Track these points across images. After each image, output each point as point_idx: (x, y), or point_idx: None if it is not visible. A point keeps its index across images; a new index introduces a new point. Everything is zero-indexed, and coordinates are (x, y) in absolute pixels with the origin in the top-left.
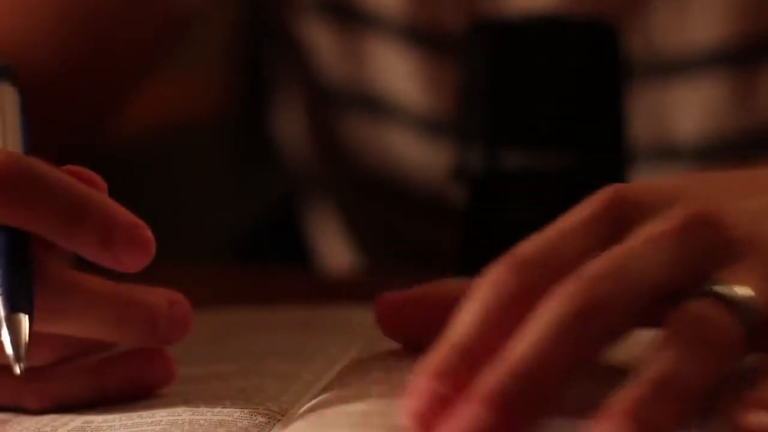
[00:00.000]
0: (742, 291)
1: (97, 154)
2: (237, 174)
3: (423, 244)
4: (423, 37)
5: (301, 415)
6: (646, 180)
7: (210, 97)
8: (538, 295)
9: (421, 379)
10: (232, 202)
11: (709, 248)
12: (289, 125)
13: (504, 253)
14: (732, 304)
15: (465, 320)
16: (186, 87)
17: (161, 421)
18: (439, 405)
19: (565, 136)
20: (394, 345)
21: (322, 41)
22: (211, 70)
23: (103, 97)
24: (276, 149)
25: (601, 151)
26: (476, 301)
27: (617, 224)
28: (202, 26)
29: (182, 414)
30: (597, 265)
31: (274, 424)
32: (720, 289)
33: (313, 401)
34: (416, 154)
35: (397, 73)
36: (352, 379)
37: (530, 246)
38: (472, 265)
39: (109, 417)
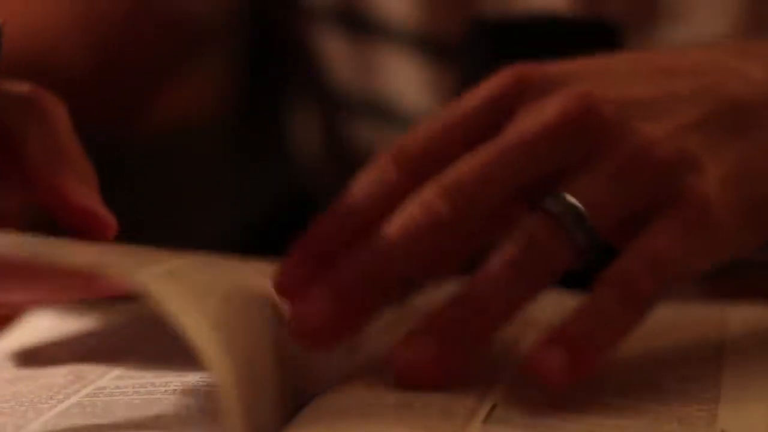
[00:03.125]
0: (575, 205)
1: (116, 154)
2: (241, 174)
3: None
4: (430, 45)
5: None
6: (548, 63)
7: (215, 98)
8: (412, 188)
9: (297, 249)
10: (235, 201)
11: (573, 149)
12: (301, 129)
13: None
14: (561, 222)
15: (345, 202)
16: (192, 88)
17: (175, 390)
18: (304, 278)
19: None
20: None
21: (332, 49)
22: (217, 71)
23: (121, 101)
24: (281, 150)
25: None
26: (357, 186)
27: (504, 110)
28: (215, 33)
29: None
30: (459, 171)
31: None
32: (552, 206)
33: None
34: None
35: (405, 80)
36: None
37: (414, 137)
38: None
39: (122, 384)
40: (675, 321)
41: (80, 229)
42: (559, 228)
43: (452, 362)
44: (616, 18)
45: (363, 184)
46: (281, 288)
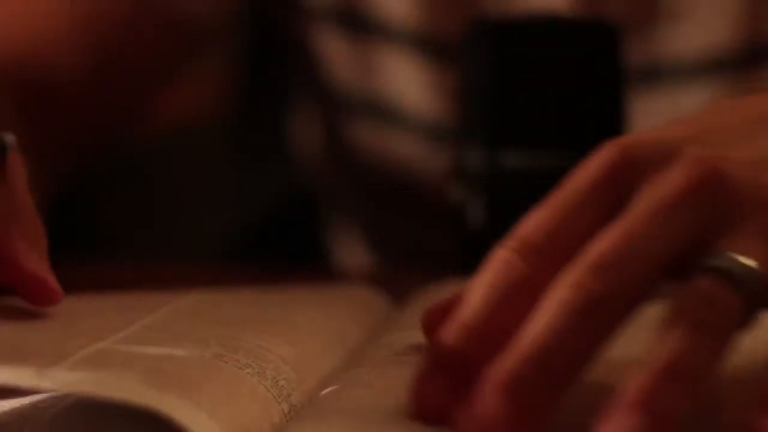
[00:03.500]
0: (745, 262)
1: (116, 154)
2: (241, 174)
3: (426, 244)
4: (430, 45)
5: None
6: (644, 132)
7: (215, 98)
8: (544, 280)
9: (430, 365)
10: (235, 201)
11: (713, 213)
12: (303, 130)
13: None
14: (735, 278)
15: (473, 304)
16: (192, 88)
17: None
18: (447, 394)
19: (565, 136)
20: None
21: (332, 49)
22: (217, 71)
23: (122, 101)
24: (281, 150)
25: None
26: (483, 285)
27: (620, 188)
28: (215, 33)
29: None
30: (602, 248)
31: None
32: (722, 263)
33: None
34: (422, 159)
35: (404, 80)
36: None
37: (533, 226)
38: (472, 266)
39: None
40: None
41: (27, 294)
42: (728, 283)
43: None
44: (616, 18)
45: (487, 285)
46: (422, 411)
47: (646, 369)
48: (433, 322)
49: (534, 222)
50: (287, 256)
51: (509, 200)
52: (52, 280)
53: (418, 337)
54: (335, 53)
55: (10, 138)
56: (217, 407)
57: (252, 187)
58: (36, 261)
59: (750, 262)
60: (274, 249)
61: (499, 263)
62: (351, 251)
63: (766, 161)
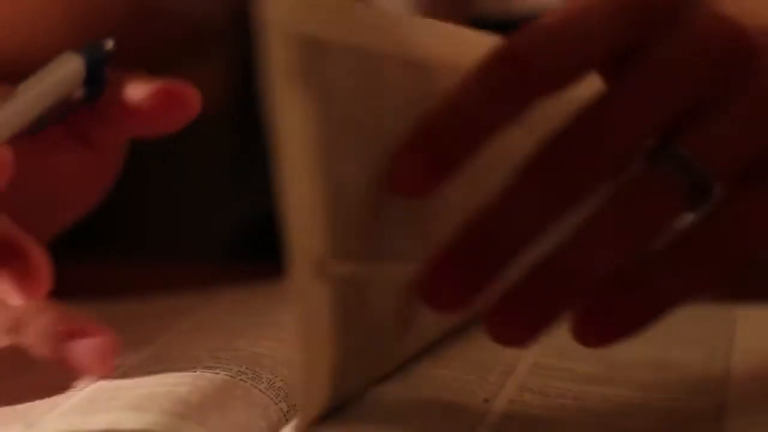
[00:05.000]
0: (684, 153)
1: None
2: (240, 174)
3: None
4: None
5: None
6: None
7: (215, 98)
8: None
9: (413, 140)
10: (235, 202)
11: (718, 78)
12: None
13: None
14: (670, 174)
15: (449, 105)
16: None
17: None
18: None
19: None
20: None
21: None
22: (217, 71)
23: None
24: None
25: None
26: (462, 91)
27: (637, 31)
28: (215, 33)
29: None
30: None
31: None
32: (662, 158)
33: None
34: None
35: None
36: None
37: (531, 41)
38: None
39: None
40: (683, 321)
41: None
42: (669, 181)
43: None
44: None
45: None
46: (400, 186)
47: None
48: None
49: (529, 36)
50: (286, 257)
51: None
52: (40, 262)
53: None
54: None
55: (109, 43)
56: (207, 414)
57: (252, 186)
58: (30, 239)
59: (693, 162)
60: (274, 249)
61: (482, 70)
62: None
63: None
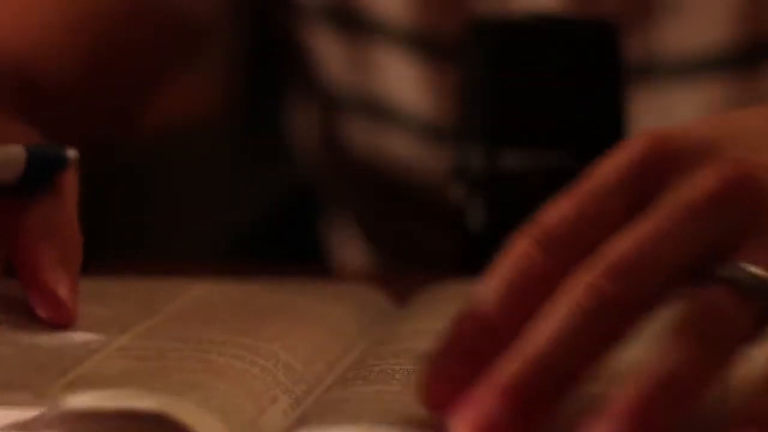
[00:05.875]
0: (759, 273)
1: (113, 155)
2: (240, 174)
3: (425, 244)
4: (426, 43)
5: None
6: (677, 126)
7: (214, 98)
8: (563, 272)
9: (441, 357)
10: (234, 201)
11: (740, 219)
12: (299, 129)
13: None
14: (747, 291)
15: (487, 297)
16: (191, 88)
17: None
18: (457, 386)
19: (564, 135)
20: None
21: (330, 49)
22: (215, 72)
23: (119, 102)
24: (280, 150)
25: (601, 151)
26: (499, 278)
27: (650, 181)
28: (214, 33)
29: None
30: (622, 248)
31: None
32: (736, 274)
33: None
34: (422, 159)
35: (401, 79)
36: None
37: (557, 216)
38: (472, 266)
39: None
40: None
41: (37, 305)
42: (739, 296)
43: None
44: (614, 16)
45: (505, 274)
46: (430, 402)
47: (640, 378)
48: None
49: (558, 211)
50: (287, 257)
51: (509, 200)
52: (65, 298)
53: (416, 339)
54: (333, 53)
55: (72, 153)
56: (210, 396)
57: (251, 186)
58: (57, 275)
59: (759, 272)
60: (274, 249)
61: (518, 254)
62: (351, 251)
63: None
